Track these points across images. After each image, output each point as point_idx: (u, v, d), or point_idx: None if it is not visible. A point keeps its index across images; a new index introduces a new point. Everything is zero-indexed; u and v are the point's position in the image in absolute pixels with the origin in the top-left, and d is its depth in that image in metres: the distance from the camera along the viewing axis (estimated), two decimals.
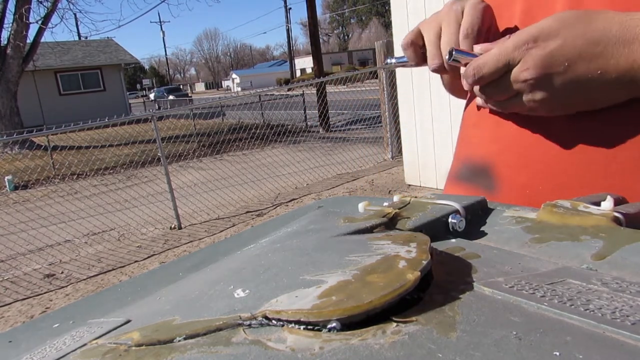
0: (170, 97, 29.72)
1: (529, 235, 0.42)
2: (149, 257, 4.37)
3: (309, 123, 12.05)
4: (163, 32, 65.64)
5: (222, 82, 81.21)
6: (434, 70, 0.65)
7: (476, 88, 0.57)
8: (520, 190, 0.61)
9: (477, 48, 0.57)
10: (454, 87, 0.79)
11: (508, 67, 0.52)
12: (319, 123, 10.66)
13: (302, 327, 0.27)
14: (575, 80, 0.50)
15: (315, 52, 12.05)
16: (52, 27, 17.24)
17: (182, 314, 0.31)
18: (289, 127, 11.49)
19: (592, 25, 0.48)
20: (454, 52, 0.57)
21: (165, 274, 0.52)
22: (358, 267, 0.31)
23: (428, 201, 0.49)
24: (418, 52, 0.67)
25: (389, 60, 0.76)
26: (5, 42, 12.33)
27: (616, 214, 0.42)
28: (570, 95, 0.51)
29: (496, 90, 0.55)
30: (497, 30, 0.63)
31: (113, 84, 22.19)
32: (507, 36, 0.53)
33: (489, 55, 0.53)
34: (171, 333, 0.28)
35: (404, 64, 0.72)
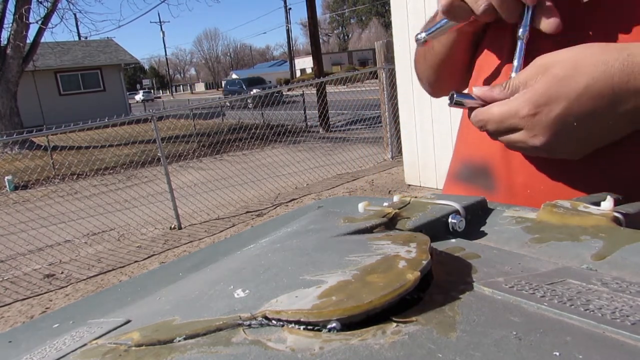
0: (254, 90, 18.68)
1: (528, 235, 0.42)
2: (148, 257, 4.36)
3: (309, 123, 12.05)
4: (163, 32, 65.65)
5: (222, 82, 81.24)
6: (484, 11, 0.56)
7: None
8: (520, 191, 0.61)
9: (476, 91, 0.54)
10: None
11: (512, 130, 0.51)
12: (319, 123, 10.66)
13: (302, 327, 0.27)
14: (586, 133, 0.49)
15: (315, 52, 12.06)
16: (52, 27, 17.27)
17: (182, 314, 0.31)
18: (289, 127, 11.49)
19: (591, 75, 0.46)
20: (455, 96, 0.55)
21: (165, 274, 0.52)
22: (358, 267, 0.31)
23: (428, 201, 0.49)
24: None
25: (421, 35, 0.65)
26: (5, 42, 12.33)
27: (616, 214, 0.42)
28: (580, 145, 0.51)
29: (502, 140, 0.54)
30: None
31: (113, 84, 22.19)
32: (504, 85, 0.51)
33: (492, 115, 0.52)
34: (171, 333, 0.28)
35: (441, 30, 0.63)
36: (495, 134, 0.54)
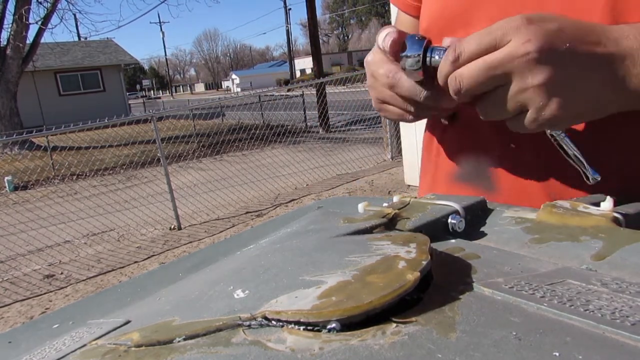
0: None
1: (528, 235, 0.42)
2: (148, 257, 4.36)
3: (308, 124, 12.05)
4: (163, 33, 65.64)
5: (222, 82, 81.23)
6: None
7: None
8: (520, 191, 0.61)
9: (447, 41, 0.49)
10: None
11: (501, 80, 0.45)
12: (318, 123, 10.66)
13: (301, 327, 0.27)
14: (579, 64, 0.44)
15: (315, 52, 12.05)
16: (52, 28, 17.23)
17: (181, 315, 0.31)
18: (289, 127, 11.48)
19: (579, 21, 0.47)
20: (430, 52, 0.49)
21: (165, 274, 0.52)
22: (358, 267, 0.31)
23: (428, 202, 0.49)
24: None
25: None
26: (5, 43, 12.33)
27: (616, 215, 0.42)
28: (577, 91, 0.45)
29: (493, 82, 0.46)
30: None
31: (113, 85, 22.19)
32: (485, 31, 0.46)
33: (472, 39, 0.46)
34: (171, 333, 0.28)
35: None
36: (478, 86, 0.46)
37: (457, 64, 0.47)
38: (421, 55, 0.50)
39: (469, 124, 0.65)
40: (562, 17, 0.46)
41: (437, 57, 0.49)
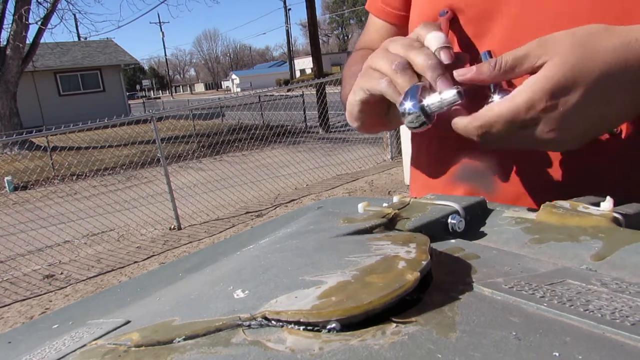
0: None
1: (528, 235, 0.42)
2: (148, 257, 4.36)
3: (308, 124, 12.05)
4: (162, 33, 65.60)
5: (222, 82, 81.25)
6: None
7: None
8: (519, 191, 0.61)
9: (460, 75, 0.46)
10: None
11: (523, 128, 0.44)
12: (318, 124, 10.65)
13: (301, 327, 0.27)
14: (608, 120, 0.44)
15: (315, 52, 12.06)
16: (52, 28, 17.25)
17: (181, 315, 0.31)
18: (289, 127, 11.48)
19: (604, 60, 0.41)
20: (425, 106, 0.45)
21: (165, 274, 0.52)
22: (357, 267, 0.31)
23: (427, 202, 0.49)
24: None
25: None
26: (5, 43, 12.32)
27: (615, 215, 0.42)
28: (592, 132, 0.45)
29: (503, 143, 0.47)
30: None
31: (113, 85, 22.18)
32: (493, 63, 0.44)
33: (499, 115, 0.44)
34: (171, 334, 0.28)
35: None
36: (498, 138, 0.45)
37: (485, 137, 0.46)
38: (421, 113, 0.46)
39: None
40: (592, 74, 0.42)
41: (436, 102, 0.45)
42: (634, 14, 0.50)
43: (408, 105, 0.46)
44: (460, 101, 0.45)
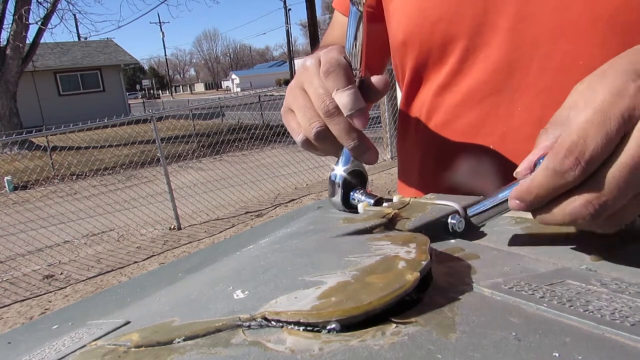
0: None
1: (528, 235, 0.42)
2: (148, 258, 4.36)
3: None
4: (162, 33, 65.61)
5: (222, 82, 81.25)
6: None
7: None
8: None
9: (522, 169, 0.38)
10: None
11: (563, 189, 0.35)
12: None
13: (301, 328, 0.27)
14: None
15: None
16: (52, 28, 17.23)
17: (181, 315, 0.31)
18: None
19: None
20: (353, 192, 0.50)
21: (165, 275, 0.52)
22: (357, 268, 0.31)
23: (427, 202, 0.49)
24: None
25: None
26: (5, 43, 12.33)
27: None
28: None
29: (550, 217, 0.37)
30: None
31: (112, 85, 22.19)
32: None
33: (534, 185, 0.36)
34: (170, 334, 0.28)
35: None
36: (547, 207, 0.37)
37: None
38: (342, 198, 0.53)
39: (466, 131, 0.65)
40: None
41: (361, 197, 0.52)
42: (633, 28, 0.49)
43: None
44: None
